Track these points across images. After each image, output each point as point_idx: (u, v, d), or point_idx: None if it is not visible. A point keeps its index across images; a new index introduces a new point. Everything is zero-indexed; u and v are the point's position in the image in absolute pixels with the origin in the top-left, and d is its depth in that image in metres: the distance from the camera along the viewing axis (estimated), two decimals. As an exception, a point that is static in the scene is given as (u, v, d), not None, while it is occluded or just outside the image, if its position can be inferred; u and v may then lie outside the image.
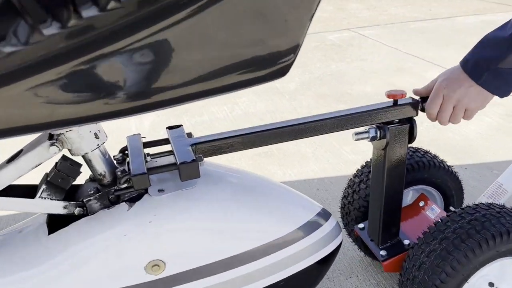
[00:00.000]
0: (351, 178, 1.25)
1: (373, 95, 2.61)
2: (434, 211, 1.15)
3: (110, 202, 0.81)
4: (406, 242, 1.10)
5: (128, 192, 0.81)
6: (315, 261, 0.96)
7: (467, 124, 2.15)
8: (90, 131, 0.77)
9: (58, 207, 0.79)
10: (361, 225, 1.18)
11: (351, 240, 1.31)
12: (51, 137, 0.76)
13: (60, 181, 0.79)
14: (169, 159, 0.84)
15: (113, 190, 0.81)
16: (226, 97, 2.73)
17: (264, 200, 0.92)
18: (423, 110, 0.98)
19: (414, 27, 4.18)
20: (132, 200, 0.81)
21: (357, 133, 0.97)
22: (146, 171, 0.76)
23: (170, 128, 0.91)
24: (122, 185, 0.80)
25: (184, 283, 0.81)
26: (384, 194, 1.04)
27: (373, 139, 0.97)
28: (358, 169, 1.25)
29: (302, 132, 0.90)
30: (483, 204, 0.96)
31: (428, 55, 3.28)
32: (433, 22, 4.33)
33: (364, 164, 1.25)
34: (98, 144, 0.79)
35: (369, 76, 2.91)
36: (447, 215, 0.96)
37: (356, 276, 1.28)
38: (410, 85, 2.73)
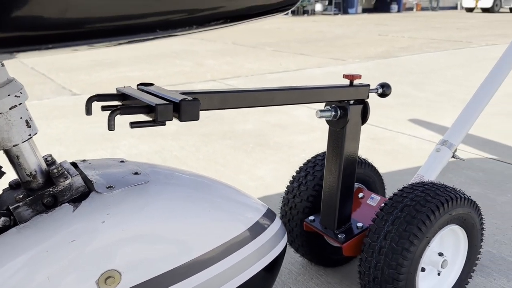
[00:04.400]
0: (294, 175, 1.27)
1: (253, 130, 2.72)
2: (375, 199, 1.21)
3: (46, 206, 0.65)
4: (359, 224, 1.14)
5: (69, 192, 0.67)
6: (266, 263, 0.91)
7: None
8: (21, 117, 0.63)
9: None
10: (311, 218, 1.19)
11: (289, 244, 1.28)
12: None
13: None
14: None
15: (47, 192, 0.66)
16: (103, 140, 2.53)
17: (214, 199, 0.85)
18: (381, 95, 1.09)
19: (272, 77, 4.59)
20: (76, 200, 0.66)
21: (321, 111, 1.02)
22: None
23: (143, 84, 0.81)
24: (61, 184, 0.66)
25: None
26: (341, 174, 1.08)
27: (334, 117, 1.03)
28: (301, 166, 1.28)
29: (274, 98, 0.92)
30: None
31: (291, 97, 3.61)
32: (286, 73, 4.82)
33: (306, 161, 1.28)
34: (30, 135, 0.64)
35: (247, 116, 3.05)
36: (399, 190, 1.05)
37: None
38: (283, 121, 2.94)
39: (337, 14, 19.50)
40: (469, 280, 1.15)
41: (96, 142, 2.52)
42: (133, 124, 0.64)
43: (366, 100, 1.06)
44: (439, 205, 0.98)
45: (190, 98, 0.69)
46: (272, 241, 0.91)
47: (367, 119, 1.07)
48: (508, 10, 21.25)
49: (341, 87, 1.01)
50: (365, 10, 21.32)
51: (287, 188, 1.28)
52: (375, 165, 1.37)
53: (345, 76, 1.03)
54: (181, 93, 0.74)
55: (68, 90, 4.00)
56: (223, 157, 2.29)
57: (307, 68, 5.14)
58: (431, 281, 1.10)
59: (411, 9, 23.63)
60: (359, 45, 7.47)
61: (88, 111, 0.73)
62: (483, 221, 1.11)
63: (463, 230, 1.08)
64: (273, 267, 0.94)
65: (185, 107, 0.68)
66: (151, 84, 0.81)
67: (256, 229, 0.86)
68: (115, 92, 0.79)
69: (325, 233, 1.15)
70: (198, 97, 0.72)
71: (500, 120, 2.87)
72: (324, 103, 1.04)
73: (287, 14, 19.23)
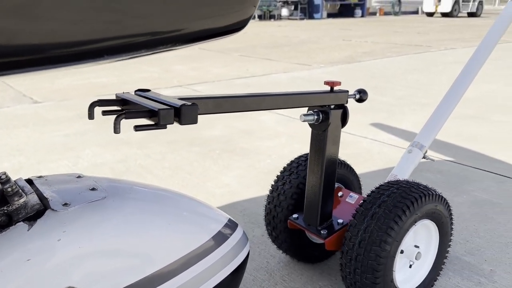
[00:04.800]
0: (278, 175, 1.33)
1: (221, 136, 2.73)
2: (353, 197, 1.29)
3: (0, 225, 0.65)
4: (340, 221, 1.21)
5: (24, 210, 0.66)
6: (229, 272, 0.93)
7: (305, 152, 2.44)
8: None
9: None
10: (294, 216, 1.25)
11: (271, 241, 1.37)
12: None
13: None
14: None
15: (1, 212, 0.65)
16: (65, 149, 2.48)
17: (174, 211, 0.86)
18: (359, 100, 1.18)
19: (239, 82, 4.62)
20: (31, 219, 0.66)
21: (305, 115, 1.11)
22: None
23: (141, 90, 0.86)
24: (16, 202, 0.65)
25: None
26: (324, 174, 1.15)
27: (317, 120, 1.11)
28: (285, 166, 1.34)
29: (261, 103, 0.96)
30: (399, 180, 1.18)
31: (257, 103, 3.64)
32: (253, 78, 4.86)
33: (290, 162, 1.35)
34: (-19, 153, 0.63)
35: (214, 122, 3.06)
36: (376, 188, 1.13)
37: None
38: (250, 127, 2.97)
39: (303, 19, 19.78)
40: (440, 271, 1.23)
41: (58, 152, 2.47)
42: (137, 128, 0.69)
43: (346, 105, 1.14)
44: (413, 201, 1.06)
45: (189, 103, 0.74)
46: (235, 250, 0.93)
47: (347, 123, 1.15)
48: (466, 15, 22.19)
49: (323, 93, 1.08)
50: (330, 15, 21.73)
51: (271, 187, 1.34)
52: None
53: (326, 83, 1.10)
54: (179, 99, 0.78)
55: (29, 97, 3.88)
56: (189, 164, 2.28)
57: (273, 73, 5.20)
58: (408, 270, 1.17)
59: (374, 13, 24.27)
60: (323, 50, 7.62)
61: (91, 116, 0.77)
62: (452, 216, 1.19)
63: (435, 224, 1.16)
64: (236, 275, 0.95)
65: (185, 111, 0.73)
66: (148, 90, 0.85)
67: (218, 239, 0.87)
68: (114, 97, 0.83)
69: (309, 230, 1.21)
70: (195, 102, 0.76)
71: (457, 123, 3.00)
72: (306, 108, 1.12)
73: (254, 18, 19.35)
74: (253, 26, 15.00)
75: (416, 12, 25.99)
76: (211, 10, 0.45)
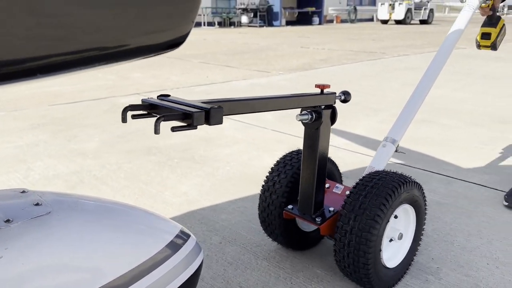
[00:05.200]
0: (273, 167, 1.45)
1: (179, 145, 2.72)
2: (339, 188, 1.42)
3: None
4: (331, 209, 1.34)
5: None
6: (180, 283, 0.93)
7: (264, 159, 2.47)
8: None
9: None
10: (289, 207, 1.37)
11: (267, 235, 1.49)
12: None
13: None
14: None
15: None
16: (16, 161, 2.38)
17: (122, 223, 0.85)
18: (343, 101, 1.30)
19: (199, 90, 4.61)
20: (-30, 237, 0.64)
21: (300, 114, 1.21)
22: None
23: (163, 95, 0.95)
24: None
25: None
26: (317, 166, 1.28)
27: (311, 119, 1.22)
28: (278, 160, 1.46)
29: (267, 105, 1.06)
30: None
31: (216, 110, 3.65)
32: (213, 86, 4.87)
33: (284, 155, 1.48)
34: None
35: (171, 130, 3.03)
36: (360, 180, 1.26)
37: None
38: (209, 135, 2.97)
39: (263, 26, 20.00)
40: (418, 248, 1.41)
41: (8, 164, 2.37)
42: (175, 129, 0.80)
43: (334, 105, 1.27)
44: (393, 189, 1.20)
45: (216, 106, 0.85)
46: (187, 260, 0.93)
47: (335, 121, 1.28)
48: (418, 22, 23.18)
49: (315, 95, 1.21)
50: (288, 23, 22.09)
51: (266, 177, 1.45)
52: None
53: (317, 86, 1.23)
54: (202, 102, 0.90)
55: (-24, 108, 3.70)
56: (146, 174, 2.26)
57: (233, 80, 5.22)
58: (391, 249, 1.33)
59: (331, 21, 24.89)
60: (282, 57, 7.73)
61: (124, 120, 0.86)
62: (426, 199, 1.36)
63: (412, 207, 1.32)
64: (189, 285, 0.96)
65: (214, 113, 0.85)
66: (169, 95, 0.95)
67: (169, 250, 0.87)
68: (141, 103, 0.93)
69: (304, 218, 1.33)
70: (214, 105, 0.87)
71: (409, 127, 3.13)
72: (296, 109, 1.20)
73: (214, 25, 19.37)
74: (213, 33, 15.01)
75: (371, 20, 26.88)
76: (147, 26, 0.46)
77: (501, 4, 1.99)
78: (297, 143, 2.78)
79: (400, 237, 1.30)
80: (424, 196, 1.34)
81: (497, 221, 1.76)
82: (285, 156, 1.46)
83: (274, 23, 20.58)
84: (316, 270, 1.42)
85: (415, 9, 22.33)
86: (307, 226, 1.48)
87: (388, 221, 1.21)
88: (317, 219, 1.30)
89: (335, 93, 1.26)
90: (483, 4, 1.79)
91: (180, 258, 0.91)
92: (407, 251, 1.35)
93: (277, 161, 1.45)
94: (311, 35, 13.54)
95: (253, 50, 8.98)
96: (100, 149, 2.64)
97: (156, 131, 0.76)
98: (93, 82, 5.03)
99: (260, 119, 3.38)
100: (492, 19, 1.94)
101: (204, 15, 19.09)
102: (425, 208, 1.37)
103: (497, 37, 1.96)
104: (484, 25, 1.97)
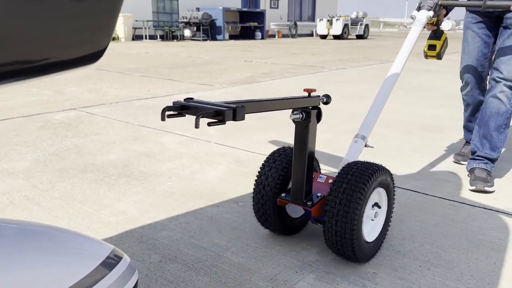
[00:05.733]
0: (264, 162, 1.65)
1: (118, 161, 2.63)
2: (323, 178, 1.64)
3: None
4: (319, 194, 1.56)
5: None
6: (115, 304, 0.89)
7: (207, 172, 2.45)
8: None
9: None
10: (283, 195, 1.58)
11: (260, 223, 1.69)
12: None
13: None
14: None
15: None
16: None
17: (48, 247, 0.81)
18: (325, 103, 1.49)
19: (139, 104, 4.50)
20: None
21: (293, 114, 1.42)
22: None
23: (188, 99, 1.14)
24: None
25: None
26: (307, 158, 1.49)
27: (301, 118, 1.42)
28: (269, 156, 1.66)
29: (269, 105, 1.23)
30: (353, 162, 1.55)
31: (158, 125, 3.59)
32: (155, 99, 4.78)
33: (272, 152, 1.69)
34: None
35: (110, 147, 2.93)
36: (341, 170, 1.48)
37: None
38: (150, 150, 2.90)
39: (206, 40, 20.03)
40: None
41: None
42: (210, 124, 1.03)
43: (319, 106, 1.47)
44: (370, 176, 1.43)
45: (240, 105, 1.06)
46: (119, 282, 0.89)
47: (320, 120, 1.50)
48: (355, 37, 24.31)
49: (305, 97, 1.40)
50: (232, 37, 22.30)
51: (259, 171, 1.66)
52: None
53: (305, 90, 1.44)
54: (225, 103, 1.09)
55: None
56: (82, 192, 2.16)
57: (175, 94, 5.16)
58: (370, 226, 1.57)
59: (273, 36, 25.46)
60: (226, 70, 7.78)
61: (163, 118, 1.05)
62: (394, 183, 1.64)
63: (384, 190, 1.57)
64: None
65: (239, 111, 1.06)
66: (192, 98, 1.14)
67: (99, 272, 0.83)
68: (172, 104, 1.13)
69: (297, 203, 1.54)
70: (239, 105, 1.08)
71: (346, 136, 3.25)
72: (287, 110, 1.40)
73: (156, 39, 19.10)
74: (156, 46, 14.80)
75: (311, 35, 27.80)
76: (61, 41, 0.44)
77: (454, 23, 2.31)
78: (242, 156, 2.79)
79: (376, 215, 1.56)
80: (393, 180, 1.59)
81: (428, 224, 1.86)
82: (273, 153, 1.68)
83: (218, 37, 20.68)
84: (258, 282, 1.42)
85: (351, 25, 23.42)
86: (295, 213, 1.70)
87: (367, 202, 1.46)
88: (308, 203, 1.52)
89: (319, 96, 1.46)
90: (429, 21, 2.04)
91: (111, 280, 0.87)
92: (381, 227, 1.60)
93: (267, 157, 1.66)
94: (254, 49, 13.75)
95: (197, 63, 8.95)
96: (32, 168, 2.49)
97: (196, 125, 0.98)
98: (26, 98, 4.76)
99: (204, 132, 3.36)
100: (437, 33, 2.23)
101: (145, 28, 18.79)
102: (394, 191, 1.62)
103: (441, 48, 2.27)
104: (430, 38, 2.27)
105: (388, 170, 1.54)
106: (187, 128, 3.49)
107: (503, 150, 2.88)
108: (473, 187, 2.24)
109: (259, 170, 1.65)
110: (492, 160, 2.38)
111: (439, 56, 2.29)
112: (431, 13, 2.02)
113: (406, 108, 4.43)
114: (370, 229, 1.56)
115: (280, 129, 3.51)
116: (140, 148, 2.92)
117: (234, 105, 1.05)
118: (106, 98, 4.80)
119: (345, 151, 2.91)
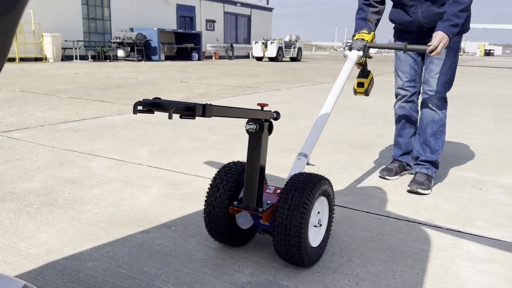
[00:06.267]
0: (215, 175, 1.74)
1: (40, 188, 2.46)
2: (271, 188, 1.74)
3: None
4: (268, 202, 1.66)
5: None
6: None
7: (138, 197, 2.37)
8: None
9: None
10: (235, 203, 1.67)
11: (210, 235, 1.77)
12: None
13: None
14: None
15: None
16: None
17: None
18: (275, 119, 1.61)
19: (66, 127, 4.28)
20: None
21: (249, 124, 1.55)
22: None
23: (156, 98, 1.24)
24: None
25: None
26: (259, 167, 1.60)
27: (255, 129, 1.55)
28: (220, 170, 1.76)
29: (225, 111, 1.32)
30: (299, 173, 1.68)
31: (86, 148, 3.43)
32: (83, 122, 4.57)
33: (224, 165, 1.79)
34: None
35: (33, 173, 2.74)
36: (288, 181, 1.61)
37: None
38: (76, 175, 2.76)
39: (141, 60, 19.68)
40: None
41: None
42: (182, 117, 1.16)
43: (271, 119, 1.60)
44: (314, 185, 1.57)
45: (209, 104, 1.18)
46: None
47: (271, 132, 1.62)
48: (289, 59, 25.15)
49: (260, 110, 1.52)
50: (168, 57, 22.13)
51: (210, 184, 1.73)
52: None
53: (258, 104, 1.56)
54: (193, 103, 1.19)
55: None
56: (-2, 224, 1.98)
57: (107, 116, 4.98)
58: (314, 232, 1.68)
59: (210, 57, 25.63)
60: (161, 91, 7.67)
61: (135, 112, 1.19)
62: (334, 192, 1.77)
63: (326, 199, 1.71)
64: None
65: (208, 108, 1.18)
66: (159, 98, 1.22)
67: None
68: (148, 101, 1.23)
69: (249, 209, 1.62)
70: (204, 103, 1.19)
71: (280, 155, 3.31)
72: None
73: (88, 59, 18.42)
74: (86, 67, 14.28)
75: (247, 57, 28.36)
76: None
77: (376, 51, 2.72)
78: (176, 178, 2.73)
79: (320, 222, 1.69)
80: (333, 189, 1.74)
81: (356, 238, 1.93)
82: (224, 166, 1.77)
83: (153, 57, 20.40)
84: (189, 310, 1.38)
85: (285, 48, 24.25)
86: (244, 224, 1.78)
87: (312, 209, 1.59)
88: (259, 209, 1.61)
89: (271, 111, 1.60)
90: (359, 60, 2.33)
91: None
92: (324, 232, 1.73)
93: (219, 170, 1.75)
94: (191, 70, 13.73)
95: (131, 84, 8.74)
96: None
97: (170, 116, 1.09)
98: None
99: (135, 155, 3.26)
100: (364, 72, 2.51)
101: (76, 48, 18.09)
102: (334, 198, 1.77)
103: (368, 85, 2.55)
104: (359, 76, 2.54)
105: (329, 180, 1.68)
106: (117, 151, 3.36)
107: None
108: (408, 188, 2.58)
109: (211, 182, 1.72)
110: (434, 164, 2.71)
111: (366, 93, 2.57)
112: (361, 53, 2.29)
113: (336, 127, 4.62)
114: (314, 235, 1.68)
115: (216, 150, 3.50)
116: (66, 174, 2.76)
117: (204, 103, 1.17)
118: (30, 122, 4.51)
119: (279, 169, 2.96)
